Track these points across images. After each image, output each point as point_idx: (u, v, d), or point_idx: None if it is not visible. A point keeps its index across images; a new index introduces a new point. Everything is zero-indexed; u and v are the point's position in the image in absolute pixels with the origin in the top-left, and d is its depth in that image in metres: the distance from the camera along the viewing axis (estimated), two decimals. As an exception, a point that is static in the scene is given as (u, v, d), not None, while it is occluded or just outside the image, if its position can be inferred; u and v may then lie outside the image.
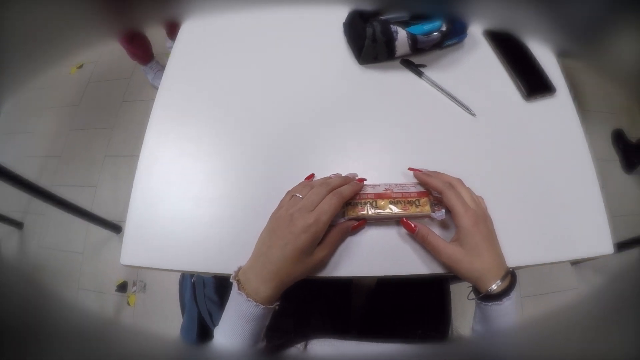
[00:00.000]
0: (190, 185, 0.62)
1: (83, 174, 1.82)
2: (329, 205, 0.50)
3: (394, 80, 0.73)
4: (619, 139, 2.03)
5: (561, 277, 1.68)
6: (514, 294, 0.50)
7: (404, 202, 0.56)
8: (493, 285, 0.49)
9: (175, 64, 0.76)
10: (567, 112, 0.77)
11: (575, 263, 1.69)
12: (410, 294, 0.80)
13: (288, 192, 0.56)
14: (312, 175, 0.61)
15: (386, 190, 0.58)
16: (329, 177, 0.59)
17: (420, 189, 0.59)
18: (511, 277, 0.52)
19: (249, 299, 0.47)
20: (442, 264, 0.54)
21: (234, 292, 0.49)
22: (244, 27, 0.82)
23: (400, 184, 0.59)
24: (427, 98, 0.72)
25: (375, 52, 0.72)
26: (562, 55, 0.87)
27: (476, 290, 0.53)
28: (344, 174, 0.61)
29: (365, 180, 0.60)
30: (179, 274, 0.99)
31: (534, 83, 0.76)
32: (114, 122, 1.90)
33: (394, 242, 0.58)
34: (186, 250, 0.57)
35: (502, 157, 0.68)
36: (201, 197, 0.61)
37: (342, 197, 0.53)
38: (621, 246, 1.43)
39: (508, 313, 0.50)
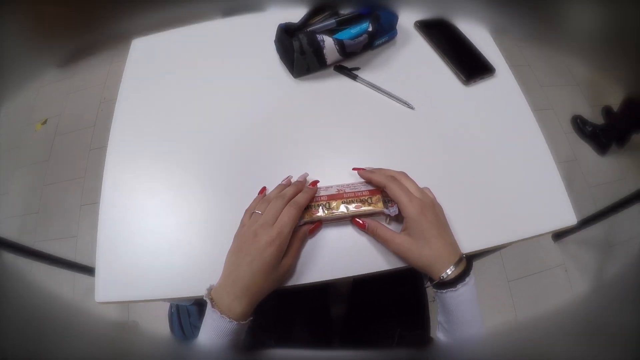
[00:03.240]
0: (151, 218, 0.62)
1: (62, 226, 1.80)
2: (288, 217, 0.52)
3: (330, 87, 0.74)
4: (584, 124, 2.01)
5: (546, 256, 1.67)
6: (469, 280, 0.50)
7: (357, 201, 0.57)
8: (448, 271, 0.49)
9: (125, 98, 0.76)
10: (510, 90, 0.77)
11: (557, 239, 1.69)
12: (386, 291, 0.80)
13: (246, 210, 0.57)
14: (264, 189, 0.62)
15: (338, 191, 0.59)
16: (283, 186, 0.60)
17: (371, 187, 0.59)
18: (466, 263, 0.52)
19: (222, 315, 0.48)
20: (394, 254, 0.55)
21: (209, 310, 0.49)
22: (187, 48, 0.83)
23: (352, 184, 0.60)
24: (365, 99, 0.72)
25: (307, 64, 0.72)
26: (500, 33, 0.88)
27: (432, 279, 0.52)
28: (295, 178, 0.62)
29: (318, 182, 0.61)
30: (167, 309, 0.99)
31: (471, 66, 0.77)
32: (85, 171, 1.89)
33: (354, 241, 0.59)
34: (156, 279, 0.58)
35: (448, 145, 0.68)
36: (162, 227, 0.61)
37: (300, 207, 0.54)
38: (597, 216, 1.46)
39: (466, 300, 0.50)
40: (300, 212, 0.54)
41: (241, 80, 0.76)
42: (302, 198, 0.55)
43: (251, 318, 0.51)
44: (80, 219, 1.79)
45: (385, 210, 0.57)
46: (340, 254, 0.58)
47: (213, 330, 0.49)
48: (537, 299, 1.57)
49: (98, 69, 2.27)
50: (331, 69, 0.75)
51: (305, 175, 0.62)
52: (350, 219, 0.58)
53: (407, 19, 0.83)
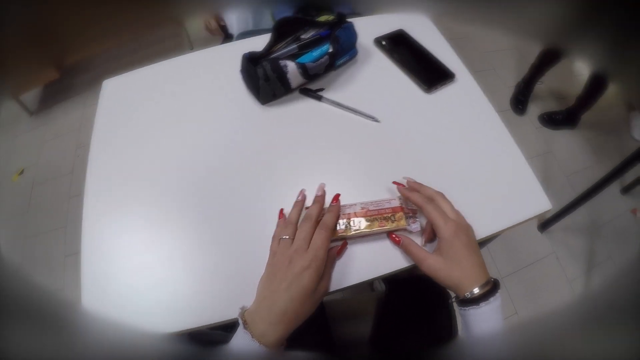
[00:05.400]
0: (134, 257, 0.62)
1: (47, 278, 1.75)
2: (321, 240, 0.52)
3: (298, 110, 0.75)
4: (554, 115, 2.11)
5: (535, 247, 1.70)
6: (494, 301, 0.50)
7: (380, 219, 0.59)
8: (474, 290, 0.50)
9: (99, 139, 0.76)
10: (471, 93, 0.80)
11: (543, 229, 1.73)
12: (415, 310, 0.79)
13: (273, 237, 0.57)
14: (282, 210, 0.62)
15: (362, 208, 0.60)
16: (300, 203, 0.60)
17: (395, 204, 0.60)
18: (493, 286, 0.52)
19: (254, 339, 0.46)
20: (424, 273, 0.55)
21: (240, 331, 0.48)
22: (157, 84, 0.83)
23: (375, 202, 0.61)
24: (333, 118, 0.74)
25: (272, 90, 0.74)
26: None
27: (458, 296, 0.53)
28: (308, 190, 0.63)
29: (340, 195, 0.61)
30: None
31: (431, 75, 0.80)
32: (66, 220, 1.85)
33: (369, 249, 0.60)
34: (144, 317, 0.57)
35: (418, 152, 0.70)
36: (146, 265, 0.61)
37: (330, 228, 0.55)
38: (577, 201, 1.51)
39: (488, 320, 0.50)
40: (331, 233, 0.55)
41: (211, 111, 0.77)
42: (330, 219, 0.56)
43: (284, 346, 0.50)
44: (65, 270, 1.74)
45: (408, 227, 0.59)
46: (357, 261, 0.59)
47: (241, 352, 0.47)
48: (534, 290, 1.58)
49: (71, 115, 2.26)
50: (297, 93, 0.77)
51: (322, 187, 0.62)
52: (387, 234, 0.60)
53: (366, 37, 0.85)
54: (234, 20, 1.11)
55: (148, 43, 2.29)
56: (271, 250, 0.56)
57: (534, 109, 2.17)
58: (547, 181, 1.89)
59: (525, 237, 1.71)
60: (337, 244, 0.58)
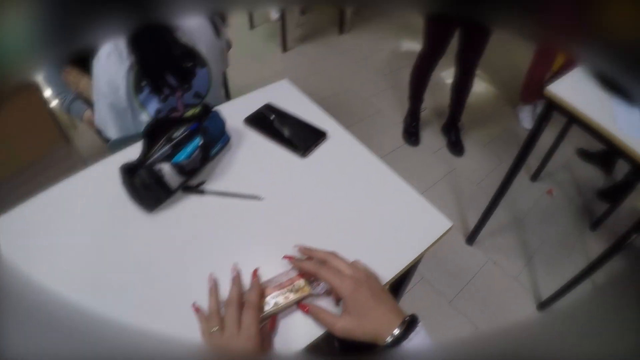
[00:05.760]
0: None
1: None
2: (251, 319, 0.52)
3: (185, 208, 0.75)
4: (450, 144, 2.26)
5: (470, 262, 1.77)
6: (414, 336, 0.51)
7: (285, 292, 0.59)
8: (395, 332, 0.51)
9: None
10: (346, 144, 0.86)
11: (471, 242, 1.81)
12: None
13: (202, 333, 0.56)
14: (194, 305, 0.60)
15: (263, 289, 0.60)
16: (215, 290, 0.60)
17: (293, 274, 0.61)
18: (409, 323, 0.52)
19: None
20: (340, 337, 0.55)
21: None
22: (50, 213, 0.78)
23: (272, 279, 0.61)
24: (220, 207, 0.75)
25: (154, 196, 0.74)
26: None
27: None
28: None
29: (258, 269, 0.63)
30: None
31: (304, 139, 0.85)
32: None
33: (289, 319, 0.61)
34: None
35: (308, 218, 0.73)
36: None
37: (256, 306, 0.55)
38: (492, 205, 1.62)
39: (415, 356, 0.50)
40: (258, 309, 0.55)
41: (105, 228, 0.74)
42: (254, 297, 0.56)
43: None
44: None
45: (313, 292, 0.59)
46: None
47: None
48: (486, 300, 1.63)
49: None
50: (181, 191, 0.78)
51: (235, 267, 0.63)
52: (296, 305, 0.60)
53: (236, 120, 0.89)
54: (109, 127, 1.10)
55: (42, 169, 2.21)
56: (207, 346, 0.55)
57: (428, 136, 2.34)
58: (459, 197, 2.01)
59: (457, 256, 1.77)
60: (266, 321, 0.58)
